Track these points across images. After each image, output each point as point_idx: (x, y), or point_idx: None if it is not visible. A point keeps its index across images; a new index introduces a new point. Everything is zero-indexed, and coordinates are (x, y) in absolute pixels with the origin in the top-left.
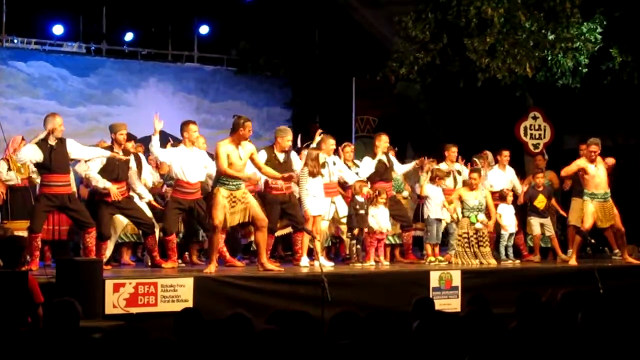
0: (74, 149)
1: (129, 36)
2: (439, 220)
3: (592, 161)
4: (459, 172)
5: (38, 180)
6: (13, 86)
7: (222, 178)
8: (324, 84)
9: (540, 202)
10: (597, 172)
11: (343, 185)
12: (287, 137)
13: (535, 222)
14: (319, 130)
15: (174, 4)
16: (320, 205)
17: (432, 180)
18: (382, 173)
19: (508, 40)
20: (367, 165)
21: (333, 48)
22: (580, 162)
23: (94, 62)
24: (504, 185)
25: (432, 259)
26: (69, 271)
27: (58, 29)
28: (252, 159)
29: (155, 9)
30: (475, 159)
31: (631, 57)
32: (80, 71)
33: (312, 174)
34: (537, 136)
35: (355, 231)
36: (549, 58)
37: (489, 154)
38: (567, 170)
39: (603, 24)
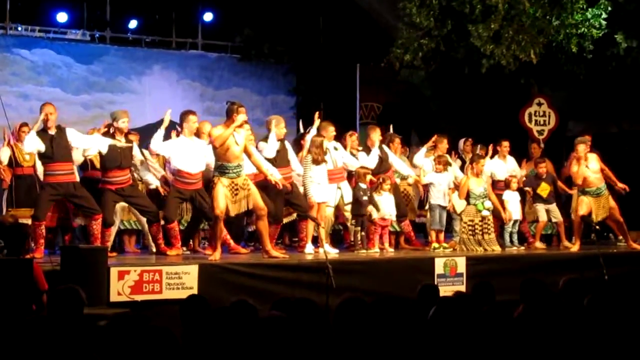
0: (74, 137)
1: (132, 24)
2: (443, 207)
3: (578, 159)
4: (449, 163)
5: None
6: (17, 74)
7: (221, 166)
8: (328, 71)
9: (544, 189)
10: (586, 171)
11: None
12: (281, 125)
13: (541, 209)
14: (317, 113)
15: None
16: (325, 192)
17: (436, 166)
18: (378, 166)
19: (512, 26)
20: (369, 159)
21: (337, 35)
22: (574, 161)
23: (98, 50)
24: (506, 175)
25: (436, 245)
26: (74, 259)
27: (62, 17)
28: (245, 146)
29: None
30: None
31: (636, 42)
32: (84, 59)
33: (316, 162)
34: (541, 122)
35: (360, 218)
36: (554, 44)
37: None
38: (574, 174)
39: (607, 10)
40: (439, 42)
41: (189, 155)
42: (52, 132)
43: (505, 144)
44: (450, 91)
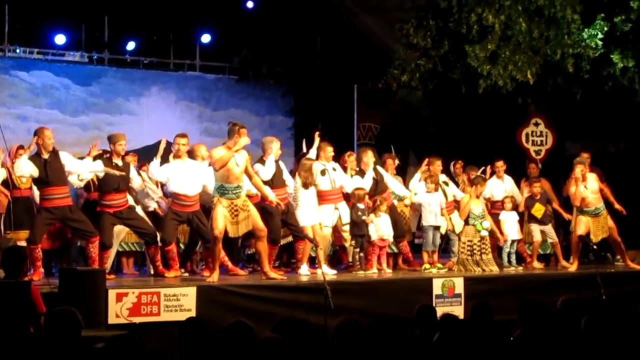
0: (67, 161)
1: (131, 45)
2: (436, 227)
3: (576, 180)
4: (446, 183)
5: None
6: (16, 95)
7: (221, 187)
8: (325, 92)
9: (538, 210)
10: (584, 192)
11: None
12: (277, 147)
13: (535, 229)
14: (317, 133)
15: (175, 13)
16: (314, 214)
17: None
18: (374, 188)
19: (509, 46)
20: (363, 181)
21: (335, 55)
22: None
23: (97, 71)
24: (503, 195)
25: (427, 266)
26: (72, 281)
27: (60, 39)
28: (245, 167)
29: (156, 18)
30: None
31: (632, 62)
32: (83, 80)
33: (305, 185)
34: (538, 142)
35: (358, 238)
36: (550, 64)
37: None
38: (572, 195)
39: (604, 30)
40: (436, 62)
41: (185, 177)
42: (46, 156)
43: (500, 163)
44: (447, 111)
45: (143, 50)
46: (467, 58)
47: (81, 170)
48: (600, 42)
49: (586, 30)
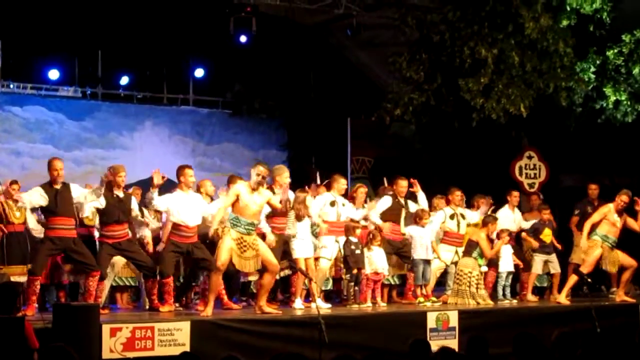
0: (76, 193)
1: (124, 80)
2: (426, 261)
3: (618, 211)
4: (463, 216)
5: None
6: (9, 131)
7: (235, 219)
8: (319, 126)
9: (547, 235)
10: (618, 222)
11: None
12: (284, 175)
13: (538, 260)
14: (317, 173)
15: (168, 48)
16: (308, 247)
17: (416, 221)
18: (396, 212)
19: (502, 80)
20: (384, 202)
21: (328, 89)
22: (605, 210)
23: (90, 106)
24: (511, 226)
25: (422, 299)
26: (66, 316)
27: (54, 74)
28: (269, 204)
29: (150, 53)
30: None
31: (625, 95)
32: (76, 115)
33: (298, 217)
34: (532, 175)
35: (354, 271)
36: (544, 96)
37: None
38: (592, 221)
39: (596, 64)
40: (429, 95)
41: (186, 208)
42: (58, 186)
43: (515, 194)
44: (441, 144)
45: (136, 85)
46: (460, 91)
47: (86, 200)
48: (592, 76)
49: (579, 63)
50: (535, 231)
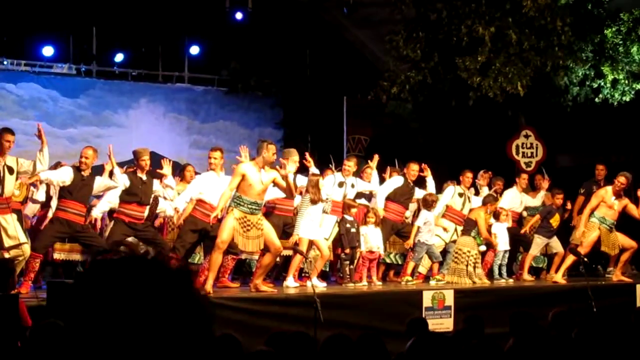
0: (97, 185)
1: (119, 57)
2: (429, 245)
3: (617, 194)
4: (469, 199)
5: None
6: (3, 108)
7: (238, 198)
8: (315, 104)
9: (555, 220)
10: (615, 204)
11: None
12: (293, 158)
13: (540, 242)
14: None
15: (164, 25)
16: (315, 229)
17: (426, 206)
18: (406, 195)
19: (499, 59)
20: (395, 181)
21: (324, 68)
22: (602, 192)
23: (85, 84)
24: (517, 207)
25: (409, 278)
26: (60, 294)
27: (48, 51)
28: (275, 183)
29: (145, 30)
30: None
31: (622, 74)
32: (71, 92)
33: (313, 201)
34: (529, 154)
35: (347, 250)
36: (541, 75)
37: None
38: (591, 205)
39: (594, 43)
40: (425, 74)
41: (216, 189)
42: (85, 174)
43: (525, 176)
44: (437, 123)
45: (131, 63)
46: (457, 70)
47: (110, 184)
48: (590, 54)
49: (576, 42)
50: (547, 214)
